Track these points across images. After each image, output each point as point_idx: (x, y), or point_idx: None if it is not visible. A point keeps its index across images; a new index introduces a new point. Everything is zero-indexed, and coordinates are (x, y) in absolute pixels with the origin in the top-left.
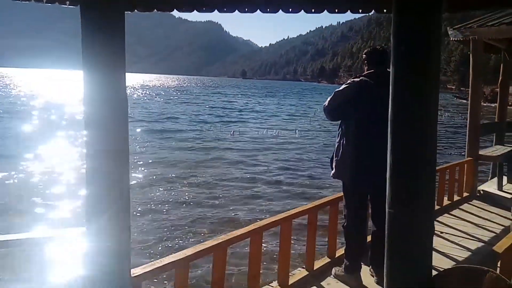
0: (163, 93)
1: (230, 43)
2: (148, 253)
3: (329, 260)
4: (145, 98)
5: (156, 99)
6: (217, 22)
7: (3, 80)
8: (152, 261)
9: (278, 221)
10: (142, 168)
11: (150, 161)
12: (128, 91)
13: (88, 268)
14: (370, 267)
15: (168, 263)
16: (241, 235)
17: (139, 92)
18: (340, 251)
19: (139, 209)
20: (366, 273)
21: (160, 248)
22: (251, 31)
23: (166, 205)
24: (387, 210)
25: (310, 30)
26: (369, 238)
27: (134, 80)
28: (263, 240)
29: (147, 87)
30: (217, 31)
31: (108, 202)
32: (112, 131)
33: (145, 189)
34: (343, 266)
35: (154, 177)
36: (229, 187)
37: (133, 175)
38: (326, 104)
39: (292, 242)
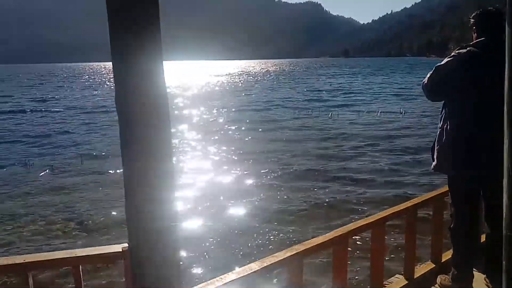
0: (263, 79)
1: (331, 22)
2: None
3: (433, 266)
4: (246, 85)
5: (256, 85)
6: (317, 2)
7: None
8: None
9: (401, 211)
10: (245, 160)
11: (250, 153)
12: (229, 79)
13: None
14: (485, 276)
15: (282, 259)
16: (362, 227)
17: (240, 79)
18: (447, 255)
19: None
20: (480, 283)
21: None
22: (352, 8)
23: (264, 198)
24: (504, 232)
25: (415, 3)
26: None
27: (234, 67)
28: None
29: (248, 73)
30: (317, 11)
31: (150, 213)
32: (151, 129)
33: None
34: (450, 274)
35: (259, 171)
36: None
37: (237, 168)
38: (426, 81)
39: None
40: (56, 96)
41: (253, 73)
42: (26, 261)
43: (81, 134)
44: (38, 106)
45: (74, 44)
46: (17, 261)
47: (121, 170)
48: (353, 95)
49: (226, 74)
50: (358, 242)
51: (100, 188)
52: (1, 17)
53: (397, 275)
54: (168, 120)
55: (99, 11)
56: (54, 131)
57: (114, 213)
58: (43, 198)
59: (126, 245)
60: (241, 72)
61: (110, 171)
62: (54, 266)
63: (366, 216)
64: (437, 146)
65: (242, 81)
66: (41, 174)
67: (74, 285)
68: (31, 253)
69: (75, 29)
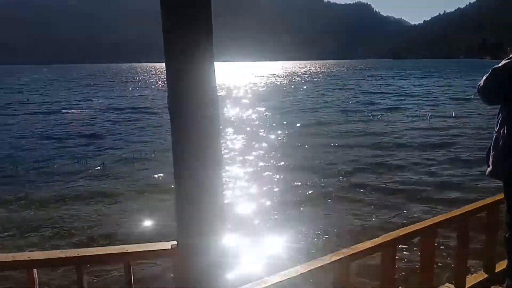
0: (310, 80)
1: (380, 23)
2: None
3: (486, 276)
4: (292, 86)
5: (302, 87)
6: (367, 3)
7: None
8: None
9: (453, 217)
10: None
11: (296, 159)
12: (274, 80)
13: (180, 284)
14: None
15: (329, 263)
16: (411, 233)
17: (285, 81)
18: (501, 265)
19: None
20: None
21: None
22: (403, 9)
23: (321, 205)
24: None
25: (469, 3)
26: None
27: (279, 68)
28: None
29: (293, 74)
30: (366, 11)
31: (199, 212)
32: (202, 131)
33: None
34: (505, 285)
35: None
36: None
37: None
38: (481, 84)
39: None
40: (107, 96)
41: (299, 74)
42: (79, 255)
43: (130, 134)
44: (90, 105)
45: (127, 45)
46: (71, 255)
47: (169, 169)
48: (403, 98)
49: (271, 75)
50: (406, 248)
51: (147, 187)
52: (58, 19)
53: (447, 284)
54: (218, 120)
55: (151, 13)
56: (105, 130)
57: (160, 211)
58: (92, 195)
59: (175, 242)
60: (286, 74)
61: (158, 171)
62: (106, 261)
63: (416, 222)
64: (492, 151)
65: (287, 83)
66: (96, 168)
67: (124, 280)
68: (82, 247)
69: (128, 31)
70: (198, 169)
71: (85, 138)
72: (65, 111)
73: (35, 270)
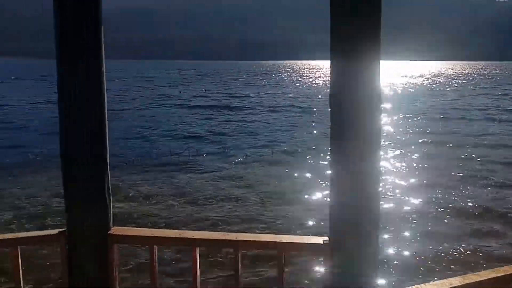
0: (461, 82)
1: None
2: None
3: None
4: (440, 88)
5: (451, 89)
6: None
7: (314, 72)
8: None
9: None
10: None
11: (439, 171)
12: (421, 81)
13: (330, 280)
14: None
15: (486, 279)
16: None
17: (433, 82)
18: None
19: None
20: None
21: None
22: None
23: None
24: None
25: None
26: None
27: (427, 68)
28: None
29: (442, 75)
30: None
31: (354, 209)
32: (362, 132)
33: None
34: None
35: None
36: None
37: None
38: None
39: None
40: (254, 92)
41: (448, 75)
42: (237, 238)
43: (272, 130)
44: (239, 102)
45: (276, 43)
46: (230, 238)
47: (309, 168)
48: None
49: (418, 76)
50: None
51: (281, 182)
52: (214, 18)
53: None
54: (379, 119)
55: (301, 11)
56: (249, 126)
57: (308, 205)
58: (233, 183)
59: (326, 238)
60: (435, 74)
61: (298, 167)
62: (261, 247)
63: None
64: None
65: (435, 84)
66: (237, 160)
67: (277, 268)
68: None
69: (277, 29)
70: (356, 169)
71: (244, 134)
72: (212, 105)
73: (197, 249)
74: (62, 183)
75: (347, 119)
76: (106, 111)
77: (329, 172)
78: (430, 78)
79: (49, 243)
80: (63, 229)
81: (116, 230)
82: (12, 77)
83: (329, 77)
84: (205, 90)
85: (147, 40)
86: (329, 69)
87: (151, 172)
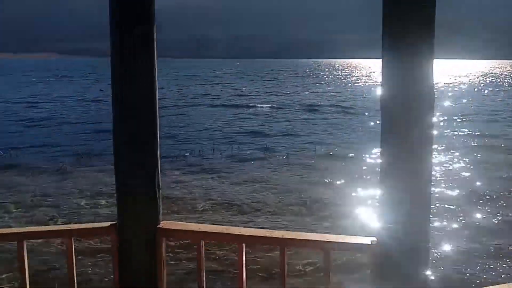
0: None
1: None
2: None
3: None
4: (491, 88)
5: (503, 89)
6: None
7: (360, 71)
8: None
9: None
10: None
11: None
12: (470, 80)
13: (378, 281)
14: None
15: None
16: None
17: (483, 81)
18: None
19: None
20: None
21: None
22: None
23: None
24: None
25: None
26: None
27: (475, 67)
28: None
29: (492, 75)
30: None
31: (404, 211)
32: (414, 129)
33: None
34: None
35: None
36: None
37: None
38: None
39: None
40: (294, 91)
41: (499, 75)
42: (284, 236)
43: (312, 131)
44: (278, 101)
45: (320, 41)
46: (276, 236)
47: (350, 169)
48: None
49: (466, 75)
50: None
51: (329, 180)
52: (260, 18)
53: None
54: (431, 120)
55: (342, 10)
56: (288, 125)
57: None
58: (276, 182)
59: (375, 238)
60: (484, 74)
61: (339, 168)
62: (307, 246)
63: None
64: None
65: (485, 83)
66: (281, 158)
67: (323, 266)
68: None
69: (320, 27)
70: (407, 171)
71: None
72: (252, 104)
73: (243, 244)
74: (115, 178)
75: (399, 120)
76: (157, 108)
77: (371, 172)
78: (483, 77)
79: (100, 234)
80: (114, 222)
81: (165, 224)
82: (59, 75)
83: (376, 76)
84: (244, 89)
85: (183, 39)
86: (380, 68)
87: (188, 173)
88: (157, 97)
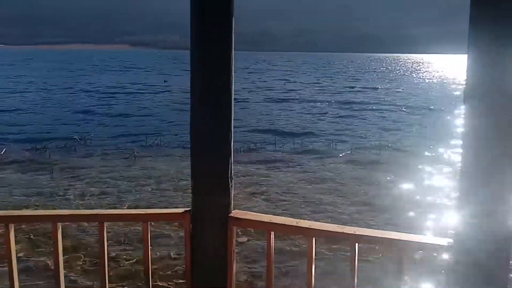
0: None
1: None
2: None
3: None
4: None
5: None
6: None
7: (423, 66)
8: None
9: None
10: None
11: None
12: None
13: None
14: None
15: None
16: None
17: None
18: None
19: None
20: None
21: None
22: None
23: None
24: None
25: None
26: None
27: None
28: None
29: None
30: None
31: (484, 213)
32: (502, 131)
33: None
34: None
35: None
36: None
37: None
38: None
39: None
40: (360, 87)
41: None
42: (356, 233)
43: (378, 129)
44: (342, 97)
45: (378, 35)
46: (348, 231)
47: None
48: None
49: None
50: None
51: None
52: (319, 9)
53: None
54: None
55: (409, 2)
56: (353, 123)
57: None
58: (343, 179)
59: (451, 240)
60: None
61: (408, 163)
62: (379, 243)
63: None
64: None
65: None
66: (341, 154)
67: (397, 266)
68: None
69: (379, 20)
70: (491, 175)
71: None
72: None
73: (313, 238)
74: (190, 167)
75: (485, 121)
76: (233, 101)
77: (448, 171)
78: None
79: (175, 220)
80: (188, 209)
81: (236, 213)
82: (128, 66)
83: (456, 73)
84: (309, 83)
85: (245, 32)
86: (465, 64)
87: (253, 165)
88: (233, 89)
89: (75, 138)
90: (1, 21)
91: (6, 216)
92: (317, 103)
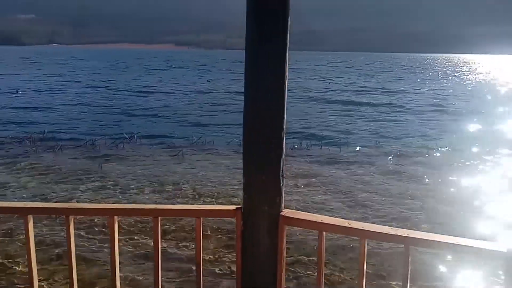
0: None
1: None
2: None
3: None
4: None
5: None
6: None
7: (469, 66)
8: None
9: None
10: None
11: None
12: None
13: None
14: None
15: None
16: None
17: None
18: None
19: None
20: None
21: None
22: None
23: None
24: None
25: None
26: None
27: None
28: None
29: None
30: None
31: None
32: None
33: None
34: None
35: None
36: None
37: None
38: None
39: None
40: (405, 87)
41: None
42: (409, 235)
43: (421, 134)
44: (384, 98)
45: (430, 35)
46: (401, 234)
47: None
48: None
49: None
50: None
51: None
52: (361, 9)
53: None
54: None
55: (459, 2)
56: (394, 126)
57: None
58: (383, 181)
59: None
60: None
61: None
62: (433, 247)
63: None
64: None
65: None
66: (389, 157)
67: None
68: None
69: (431, 20)
70: None
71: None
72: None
73: (365, 240)
74: (242, 166)
75: None
76: (286, 99)
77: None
78: None
79: (226, 217)
80: (240, 206)
81: (287, 212)
82: (173, 66)
83: (495, 74)
84: (352, 83)
85: (294, 31)
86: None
87: (309, 163)
88: (286, 87)
89: (125, 136)
90: (55, 21)
91: (66, 208)
92: (348, 105)
